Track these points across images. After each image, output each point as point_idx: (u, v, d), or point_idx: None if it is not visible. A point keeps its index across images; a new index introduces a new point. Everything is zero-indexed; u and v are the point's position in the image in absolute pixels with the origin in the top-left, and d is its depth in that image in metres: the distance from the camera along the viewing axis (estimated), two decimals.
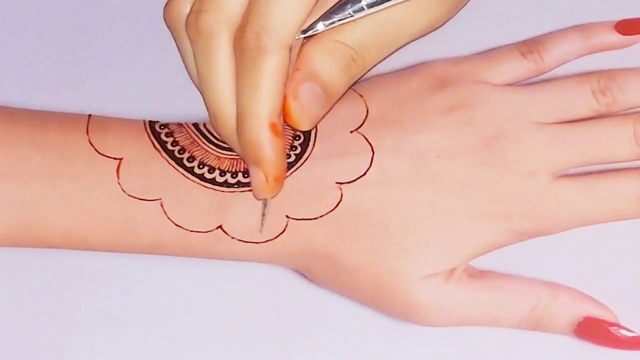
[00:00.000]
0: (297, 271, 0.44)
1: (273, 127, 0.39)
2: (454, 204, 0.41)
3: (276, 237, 0.41)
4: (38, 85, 0.47)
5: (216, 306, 0.44)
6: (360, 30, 0.40)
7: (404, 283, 0.41)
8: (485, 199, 0.42)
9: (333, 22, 0.40)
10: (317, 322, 0.44)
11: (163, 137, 0.42)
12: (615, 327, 0.42)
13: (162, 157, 0.42)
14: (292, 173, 0.42)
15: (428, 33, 0.43)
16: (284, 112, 0.39)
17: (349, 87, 0.41)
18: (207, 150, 0.42)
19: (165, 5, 0.41)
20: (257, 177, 0.40)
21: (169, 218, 0.41)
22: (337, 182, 0.42)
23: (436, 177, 0.41)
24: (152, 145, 0.42)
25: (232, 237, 0.41)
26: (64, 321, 0.44)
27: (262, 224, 0.41)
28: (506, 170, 0.42)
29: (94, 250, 0.42)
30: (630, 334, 0.42)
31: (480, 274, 0.43)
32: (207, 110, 0.41)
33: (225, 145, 0.42)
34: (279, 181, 0.40)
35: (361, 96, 0.43)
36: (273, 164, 0.39)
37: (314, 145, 0.42)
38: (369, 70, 0.42)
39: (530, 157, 0.42)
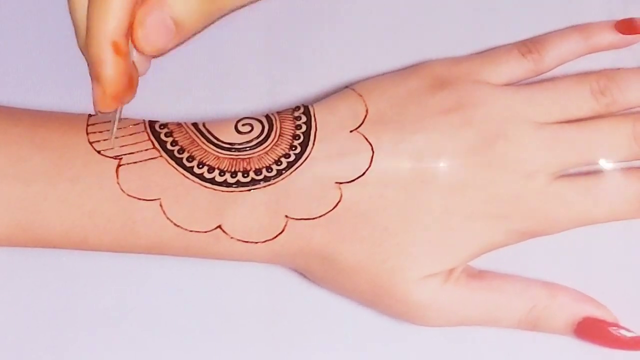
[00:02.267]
0: (296, 271, 0.44)
1: (115, 45, 0.38)
2: (453, 204, 0.41)
3: (275, 237, 0.41)
4: (38, 85, 0.47)
5: (216, 306, 0.44)
6: None
7: (403, 283, 0.41)
8: (484, 199, 0.42)
9: None
10: (317, 322, 0.44)
11: (162, 137, 0.42)
12: (614, 327, 0.42)
13: (162, 157, 0.42)
14: (291, 173, 0.42)
15: None
16: (131, 37, 0.39)
17: (207, 25, 0.41)
18: (206, 150, 0.42)
19: None
20: (97, 91, 0.40)
21: (168, 218, 0.41)
22: (336, 182, 0.42)
23: (435, 177, 0.41)
24: (151, 145, 0.42)
25: (232, 237, 0.41)
26: (64, 321, 0.44)
27: (112, 134, 0.41)
28: (505, 171, 0.42)
29: (94, 250, 0.42)
30: (629, 334, 0.42)
31: (479, 274, 0.43)
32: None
33: (225, 145, 0.42)
34: (116, 99, 0.40)
35: (360, 96, 0.43)
36: (111, 81, 0.39)
37: (313, 144, 0.42)
38: (227, 13, 0.41)
39: (529, 157, 0.42)
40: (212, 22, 0.42)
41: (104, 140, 0.42)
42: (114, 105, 0.40)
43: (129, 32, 0.39)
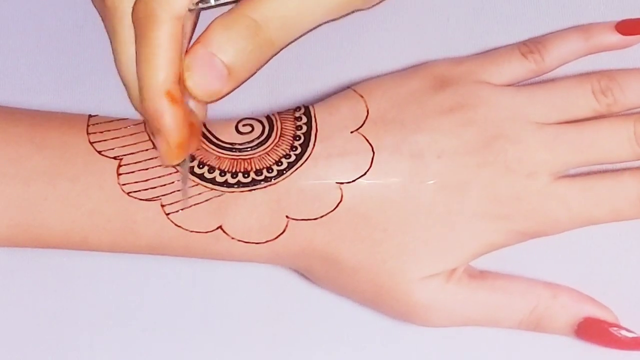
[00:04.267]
0: (297, 271, 0.44)
1: (170, 95, 0.38)
2: (454, 205, 0.41)
3: (276, 237, 0.41)
4: (38, 85, 0.47)
5: (216, 306, 0.44)
6: (266, 4, 0.39)
7: (403, 283, 0.41)
8: (485, 199, 0.41)
9: None
10: (317, 322, 0.44)
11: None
12: (615, 328, 0.42)
13: None
14: (292, 173, 0.42)
15: (343, 14, 0.42)
16: (183, 84, 0.39)
17: (262, 65, 0.40)
18: (206, 150, 0.42)
19: None
20: (161, 144, 0.39)
21: (168, 218, 0.41)
22: (337, 182, 0.41)
23: (436, 177, 0.41)
24: (152, 145, 0.42)
25: (232, 238, 0.41)
26: (64, 321, 0.44)
27: (184, 194, 0.41)
28: (506, 171, 0.42)
29: (94, 251, 0.42)
30: (630, 335, 0.42)
31: (480, 275, 0.43)
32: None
33: (226, 145, 0.42)
34: (182, 148, 0.39)
35: (361, 96, 0.43)
36: (173, 131, 0.39)
37: (314, 145, 0.42)
38: (279, 50, 0.40)
39: (530, 158, 0.42)
40: (267, 61, 0.40)
41: (105, 140, 0.42)
42: (180, 155, 0.39)
43: (181, 80, 0.39)
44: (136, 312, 0.44)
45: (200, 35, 0.39)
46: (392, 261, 0.41)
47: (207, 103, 0.40)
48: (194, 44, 0.39)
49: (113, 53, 0.40)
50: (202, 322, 0.44)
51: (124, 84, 0.40)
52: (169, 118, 0.38)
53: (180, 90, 0.38)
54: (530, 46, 0.45)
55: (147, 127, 0.40)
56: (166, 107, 0.38)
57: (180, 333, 0.44)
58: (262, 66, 0.40)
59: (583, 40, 0.45)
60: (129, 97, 0.40)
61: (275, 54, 0.40)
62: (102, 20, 0.41)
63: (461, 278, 0.42)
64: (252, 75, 0.40)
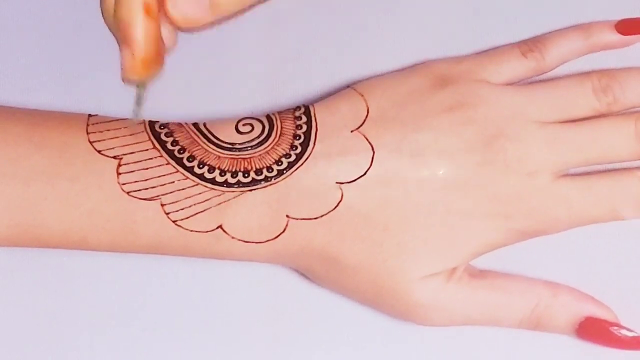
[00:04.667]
0: (297, 271, 0.44)
1: (146, 7, 0.38)
2: (455, 204, 0.41)
3: (276, 237, 0.41)
4: (38, 85, 0.47)
5: (216, 306, 0.44)
6: None
7: (404, 283, 0.41)
8: (485, 198, 0.41)
9: None
10: (317, 322, 0.44)
11: (163, 137, 0.42)
12: (615, 327, 0.42)
13: (162, 156, 0.42)
14: (292, 172, 0.42)
15: None
16: (163, 5, 0.39)
17: (245, 8, 0.41)
18: (207, 150, 0.42)
19: None
20: (125, 57, 0.39)
21: (168, 218, 0.41)
22: (337, 182, 0.41)
23: (436, 176, 0.41)
24: (152, 145, 0.42)
25: (232, 237, 0.41)
26: (64, 321, 0.44)
27: (137, 112, 0.41)
28: (507, 170, 0.42)
29: (94, 250, 0.42)
30: (630, 334, 0.42)
31: (481, 274, 0.43)
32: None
33: (225, 145, 0.42)
34: (146, 64, 0.39)
35: (362, 95, 0.43)
36: (141, 43, 0.39)
37: (314, 144, 0.42)
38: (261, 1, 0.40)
39: (530, 157, 0.42)
40: (247, 8, 0.41)
41: (104, 140, 0.42)
42: (142, 72, 0.39)
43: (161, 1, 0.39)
44: (136, 312, 0.44)
45: None
46: (393, 260, 0.41)
47: (180, 30, 0.40)
48: None
49: None
50: (202, 322, 0.44)
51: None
52: (140, 29, 0.38)
53: (157, 4, 0.38)
54: (530, 45, 0.45)
55: (118, 40, 0.40)
56: (140, 18, 0.38)
57: (180, 333, 0.44)
58: (244, 9, 0.40)
59: (583, 39, 0.45)
60: (102, 10, 0.40)
61: (256, 4, 0.40)
62: None
63: (461, 277, 0.42)
64: (231, 15, 0.40)
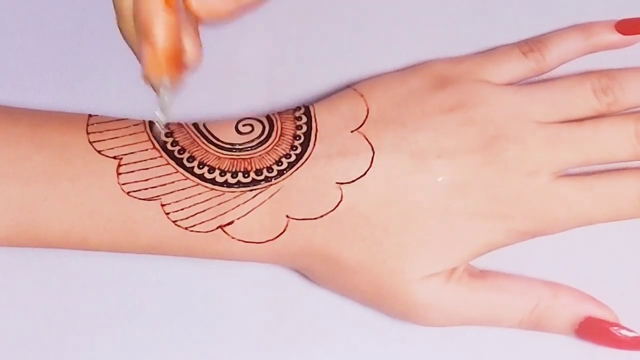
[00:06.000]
0: (297, 271, 0.44)
1: (167, 2, 0.38)
2: (454, 204, 0.41)
3: (276, 237, 0.41)
4: (38, 85, 0.47)
5: (217, 306, 0.44)
6: None
7: (404, 283, 0.41)
8: (485, 198, 0.41)
9: None
10: (317, 322, 0.44)
11: (163, 137, 0.42)
12: (616, 327, 0.42)
13: (162, 157, 0.42)
14: (292, 173, 0.42)
15: None
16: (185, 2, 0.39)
17: None
18: (207, 151, 0.42)
19: None
20: (147, 52, 0.39)
21: (168, 218, 0.41)
22: (337, 182, 0.41)
23: (436, 176, 0.41)
24: (152, 145, 0.42)
25: (232, 237, 0.41)
26: (64, 321, 0.44)
27: (161, 119, 0.41)
28: (507, 170, 0.42)
29: (94, 250, 0.42)
30: (630, 334, 0.42)
31: (481, 274, 0.43)
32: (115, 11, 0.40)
33: (226, 145, 0.42)
34: (170, 62, 0.39)
35: (362, 96, 0.43)
36: (164, 39, 0.38)
37: (314, 144, 0.42)
38: None
39: (530, 157, 0.42)
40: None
41: (105, 140, 0.42)
42: (164, 68, 0.39)
43: None
44: (136, 312, 0.44)
45: None
46: (392, 261, 0.41)
47: (201, 22, 0.40)
48: None
49: None
50: (202, 322, 0.44)
51: (116, 10, 0.40)
52: (160, 23, 0.38)
53: (175, 2, 0.38)
54: (530, 45, 0.45)
55: (140, 40, 0.39)
56: (160, 13, 0.38)
57: (180, 333, 0.44)
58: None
59: (583, 39, 0.45)
60: (117, 18, 0.40)
61: None
62: None
63: (461, 277, 0.42)
64: (252, 5, 0.40)
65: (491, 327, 0.43)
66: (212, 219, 0.41)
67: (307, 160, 0.42)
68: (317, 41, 0.47)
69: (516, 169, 0.42)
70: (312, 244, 0.41)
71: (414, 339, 0.44)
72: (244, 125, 0.43)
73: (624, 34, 0.45)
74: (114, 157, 0.42)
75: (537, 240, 0.43)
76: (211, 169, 0.42)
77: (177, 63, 0.39)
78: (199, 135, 0.43)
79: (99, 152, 0.42)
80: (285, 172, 0.42)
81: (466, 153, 0.42)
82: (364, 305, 0.43)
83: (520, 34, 0.46)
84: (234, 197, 0.41)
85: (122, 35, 0.41)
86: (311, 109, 0.43)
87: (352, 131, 0.42)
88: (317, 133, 0.42)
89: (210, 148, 0.42)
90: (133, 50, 0.41)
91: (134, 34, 0.40)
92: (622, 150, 0.42)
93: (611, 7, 0.47)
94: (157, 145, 0.42)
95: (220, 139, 0.42)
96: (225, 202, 0.41)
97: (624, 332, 0.42)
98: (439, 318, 0.42)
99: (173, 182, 0.41)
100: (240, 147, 0.42)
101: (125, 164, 0.42)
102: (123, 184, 0.41)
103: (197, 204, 0.41)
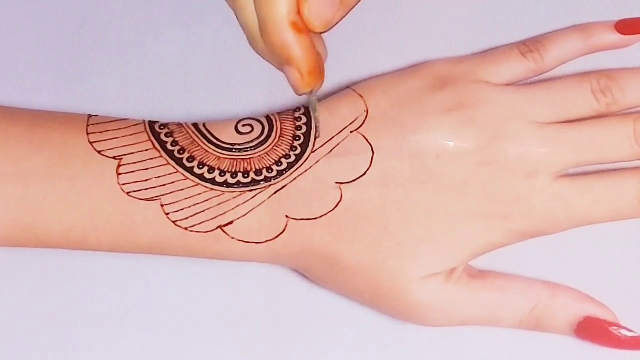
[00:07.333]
0: (297, 271, 0.44)
1: (294, 25, 0.39)
2: (454, 204, 0.41)
3: (276, 237, 0.41)
4: (38, 85, 0.47)
5: (216, 306, 0.44)
6: None
7: (403, 283, 0.41)
8: (485, 199, 0.42)
9: None
10: (317, 322, 0.44)
11: (163, 137, 0.42)
12: (615, 327, 0.42)
13: (162, 157, 0.42)
14: (292, 173, 0.42)
15: None
16: (301, 17, 0.40)
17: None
18: (207, 151, 0.42)
19: None
20: (292, 75, 0.41)
21: (168, 218, 0.41)
22: (337, 182, 0.42)
23: (436, 177, 0.41)
24: (152, 145, 0.42)
25: (232, 238, 0.41)
26: (64, 321, 0.44)
27: (317, 118, 0.42)
28: (506, 170, 0.42)
29: (94, 251, 0.42)
30: (630, 334, 0.42)
31: (480, 274, 0.43)
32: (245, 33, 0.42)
33: (225, 146, 0.42)
34: (314, 75, 0.41)
35: (361, 96, 0.43)
36: (302, 59, 0.40)
37: (314, 145, 0.42)
38: None
39: (530, 157, 0.42)
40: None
41: (104, 140, 0.42)
42: (314, 82, 0.41)
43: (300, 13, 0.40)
44: (136, 312, 0.44)
45: None
46: (392, 261, 0.41)
47: (320, 33, 0.41)
48: None
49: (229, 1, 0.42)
50: (202, 322, 0.44)
51: (244, 28, 0.41)
52: (297, 47, 0.40)
53: (302, 20, 0.40)
54: (529, 45, 0.45)
55: (275, 61, 0.41)
56: (293, 37, 0.39)
57: (180, 333, 0.44)
58: None
59: (582, 39, 0.45)
60: (249, 40, 0.42)
61: None
62: None
63: (461, 278, 0.42)
64: (354, 7, 0.41)
65: (491, 328, 0.43)
66: (211, 219, 0.41)
67: (307, 161, 0.42)
68: None
69: (515, 169, 0.42)
70: (311, 244, 0.41)
71: (414, 339, 0.44)
72: (243, 126, 0.43)
73: (623, 34, 0.45)
74: (114, 158, 0.42)
75: (537, 240, 0.43)
76: (211, 169, 0.42)
77: (320, 72, 0.41)
78: (199, 135, 0.43)
79: (99, 152, 0.42)
80: (284, 172, 0.42)
81: (465, 153, 0.42)
82: (364, 305, 0.43)
83: (520, 34, 0.46)
84: (234, 198, 0.41)
85: (257, 52, 0.42)
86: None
87: (351, 131, 0.42)
88: (317, 133, 0.42)
89: (210, 148, 0.42)
90: (272, 64, 0.42)
91: (267, 52, 0.41)
92: (622, 150, 0.42)
93: (611, 7, 0.47)
94: (157, 146, 0.42)
95: (220, 139, 0.42)
96: (225, 202, 0.41)
97: (623, 332, 0.42)
98: (439, 318, 0.42)
99: (173, 182, 0.41)
100: (240, 147, 0.42)
101: (125, 164, 0.42)
102: (123, 184, 0.41)
103: (197, 204, 0.41)
